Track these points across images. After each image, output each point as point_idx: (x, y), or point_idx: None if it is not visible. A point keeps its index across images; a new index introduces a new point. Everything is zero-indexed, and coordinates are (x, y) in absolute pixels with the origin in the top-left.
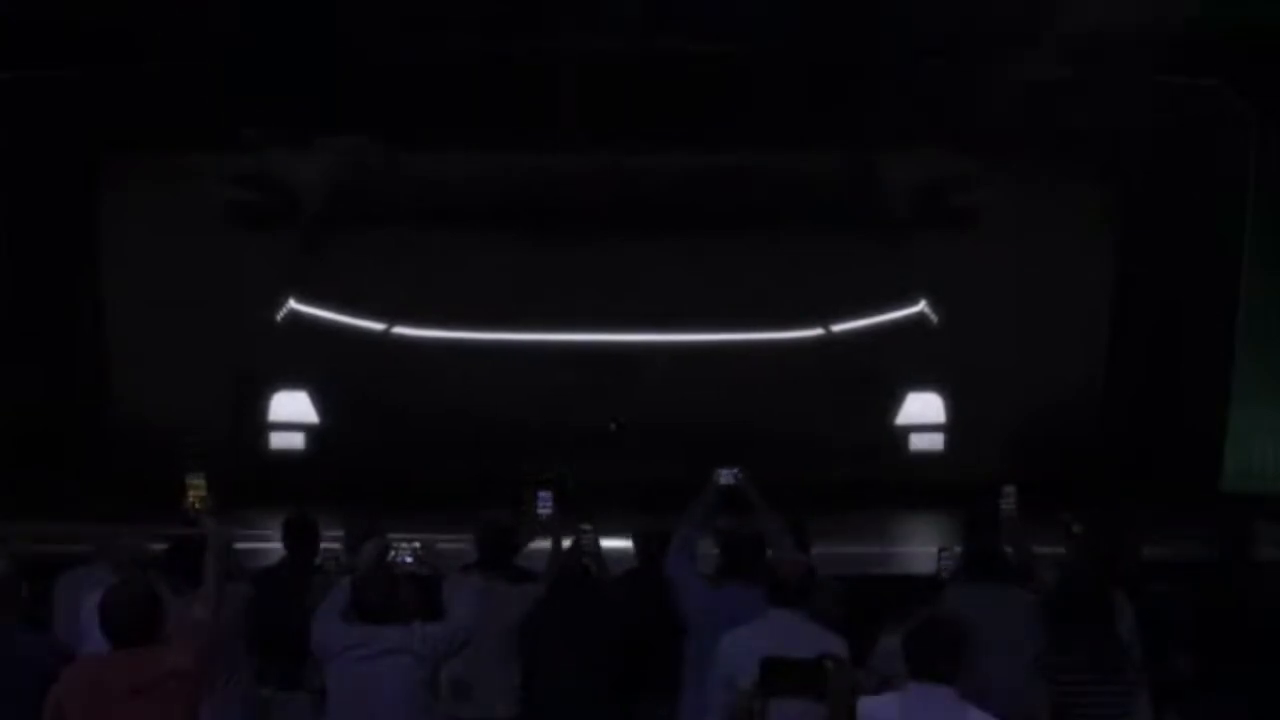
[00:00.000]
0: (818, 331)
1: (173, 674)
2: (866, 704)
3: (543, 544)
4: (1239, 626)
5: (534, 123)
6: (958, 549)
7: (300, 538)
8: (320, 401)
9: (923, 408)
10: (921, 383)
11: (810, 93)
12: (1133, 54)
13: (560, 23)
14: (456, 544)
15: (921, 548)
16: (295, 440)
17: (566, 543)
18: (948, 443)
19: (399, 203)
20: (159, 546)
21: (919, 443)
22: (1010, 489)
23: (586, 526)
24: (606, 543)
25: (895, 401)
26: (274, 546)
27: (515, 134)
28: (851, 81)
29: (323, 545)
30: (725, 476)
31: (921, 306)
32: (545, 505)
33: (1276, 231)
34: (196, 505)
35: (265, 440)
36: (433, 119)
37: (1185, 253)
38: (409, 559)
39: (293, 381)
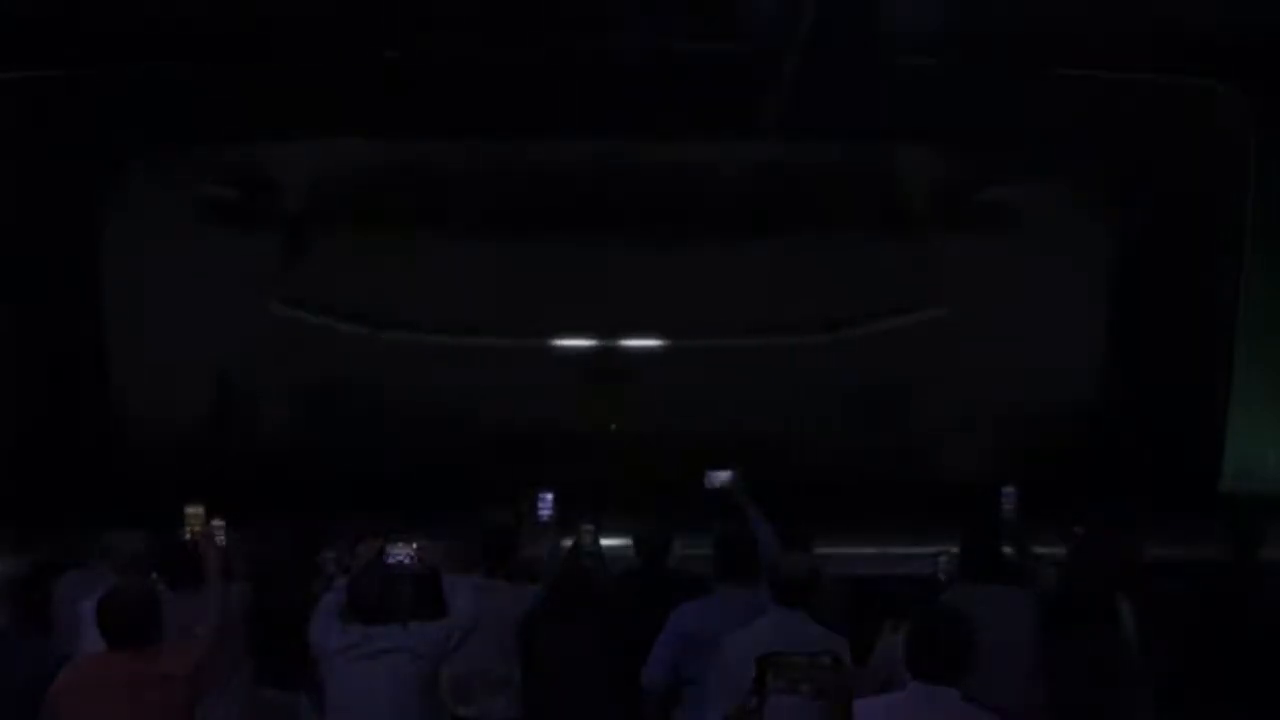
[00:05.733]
0: (826, 334)
1: (168, 676)
2: (868, 704)
3: (543, 544)
4: (1240, 627)
5: (530, 122)
6: (955, 550)
7: (300, 539)
8: (313, 404)
9: None
10: (923, 382)
11: (815, 91)
12: (1133, 54)
13: (558, 21)
14: (455, 545)
15: (923, 549)
16: None
17: (566, 543)
18: (949, 444)
19: (397, 202)
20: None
21: None
22: (1010, 490)
23: (588, 527)
24: (606, 543)
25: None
26: (273, 547)
27: (510, 133)
28: (858, 80)
29: (322, 546)
30: (717, 479)
31: (928, 309)
32: (545, 507)
33: (1276, 232)
34: (194, 534)
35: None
36: (425, 118)
37: (1185, 253)
38: (407, 559)
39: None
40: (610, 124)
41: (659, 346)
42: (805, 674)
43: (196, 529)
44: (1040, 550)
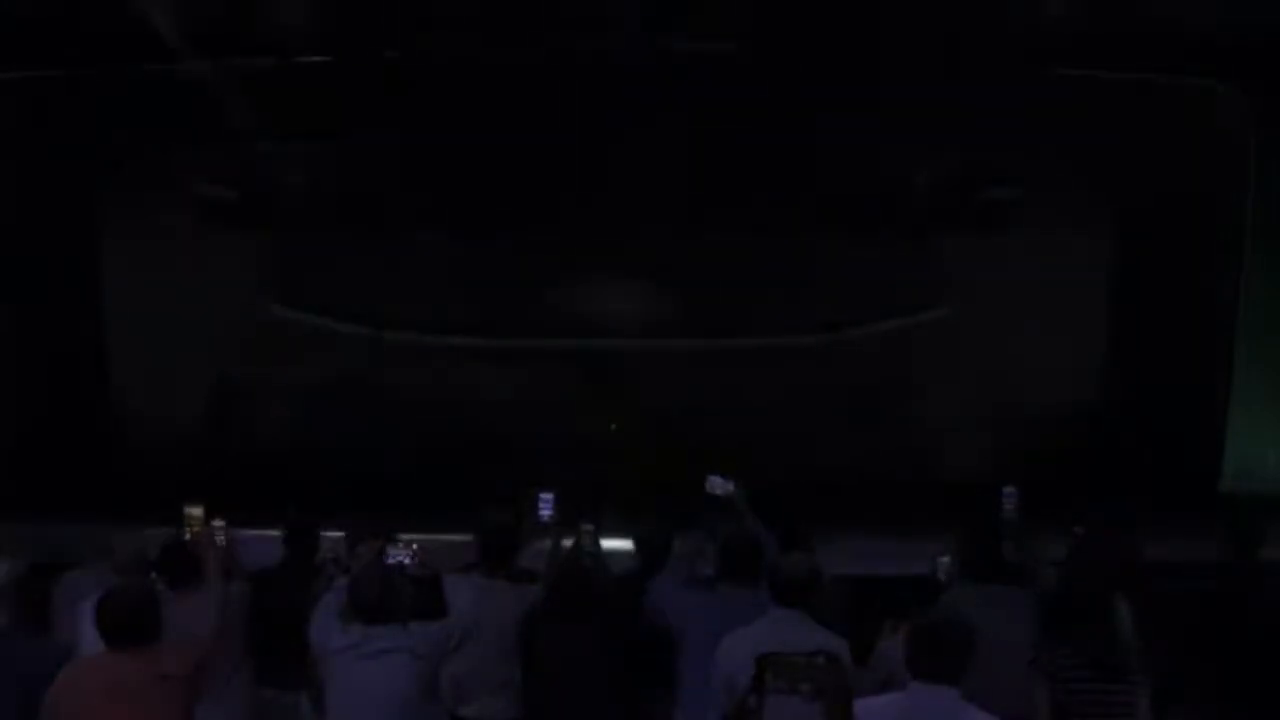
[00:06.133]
0: (827, 334)
1: (168, 676)
2: (868, 704)
3: (543, 544)
4: (1240, 627)
5: (529, 121)
6: (955, 550)
7: (299, 538)
8: (313, 404)
9: None
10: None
11: (815, 90)
12: (1133, 54)
13: (558, 21)
14: (456, 545)
15: (923, 549)
16: None
17: (567, 543)
18: (949, 443)
19: (396, 201)
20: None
21: None
22: (1012, 490)
23: (588, 527)
24: (606, 543)
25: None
26: (274, 547)
27: (509, 132)
28: (856, 79)
29: (322, 546)
30: (719, 487)
31: (928, 309)
32: (546, 508)
33: (1276, 232)
34: (194, 534)
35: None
36: (425, 118)
37: (1185, 253)
38: (407, 559)
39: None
40: (610, 124)
41: (660, 345)
42: (804, 673)
43: (196, 530)
44: (1041, 551)
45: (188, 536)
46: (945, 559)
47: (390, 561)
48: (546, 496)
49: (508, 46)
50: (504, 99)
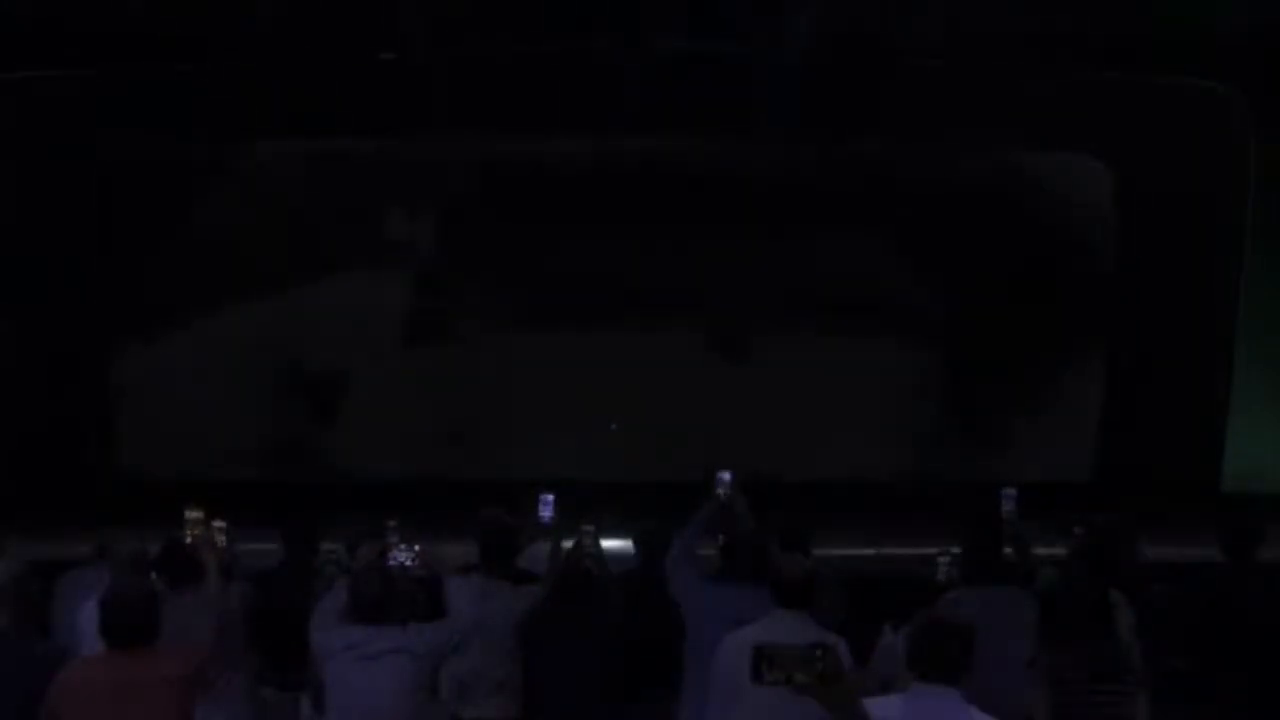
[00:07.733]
0: (825, 334)
1: (168, 677)
2: (869, 705)
3: (544, 545)
4: (1239, 628)
5: (530, 121)
6: (955, 550)
7: (300, 539)
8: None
9: None
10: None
11: (815, 90)
12: (1134, 54)
13: (559, 21)
14: (456, 545)
15: (923, 549)
16: None
17: (567, 543)
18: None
19: (398, 199)
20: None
21: None
22: (1011, 491)
23: (588, 527)
24: (607, 543)
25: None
26: (274, 547)
27: (509, 133)
28: (859, 79)
29: (322, 546)
30: (722, 485)
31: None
32: (546, 509)
33: (1276, 232)
34: (193, 538)
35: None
36: (425, 118)
37: (1185, 253)
38: (408, 560)
39: None
40: (610, 124)
41: (659, 344)
42: (801, 663)
43: (196, 534)
44: (1041, 551)
45: (188, 540)
46: (945, 559)
47: (391, 562)
48: (547, 497)
49: (508, 46)
50: (504, 99)
